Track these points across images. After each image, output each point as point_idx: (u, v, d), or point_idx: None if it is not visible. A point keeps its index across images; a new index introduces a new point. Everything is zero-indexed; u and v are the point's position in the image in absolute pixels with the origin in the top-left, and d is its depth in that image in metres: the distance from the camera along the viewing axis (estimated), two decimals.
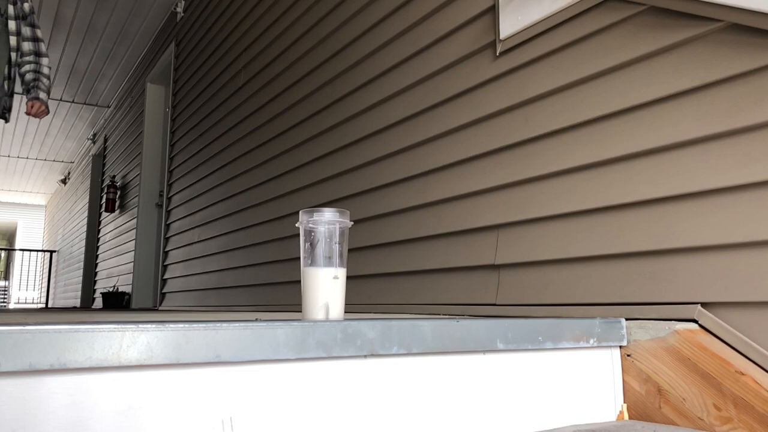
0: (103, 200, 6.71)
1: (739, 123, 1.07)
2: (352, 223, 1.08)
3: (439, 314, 1.72)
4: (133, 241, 5.27)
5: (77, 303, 7.83)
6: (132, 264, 5.23)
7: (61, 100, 6.87)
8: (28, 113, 2.64)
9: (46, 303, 11.05)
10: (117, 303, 5.29)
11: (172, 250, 4.47)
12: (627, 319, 1.15)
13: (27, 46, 2.60)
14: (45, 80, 2.73)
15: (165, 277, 4.60)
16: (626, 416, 1.11)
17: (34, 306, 11.41)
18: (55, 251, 10.89)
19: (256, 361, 0.79)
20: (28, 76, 2.65)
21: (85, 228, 7.82)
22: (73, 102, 7.02)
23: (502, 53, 1.62)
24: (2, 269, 13.31)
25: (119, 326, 0.71)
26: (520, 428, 1.00)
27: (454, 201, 1.77)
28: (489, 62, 1.67)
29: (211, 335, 0.76)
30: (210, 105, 3.81)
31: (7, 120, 2.62)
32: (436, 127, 1.86)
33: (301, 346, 0.82)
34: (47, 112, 2.72)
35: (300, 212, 1.06)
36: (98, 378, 0.70)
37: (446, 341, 0.94)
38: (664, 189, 1.19)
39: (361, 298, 2.18)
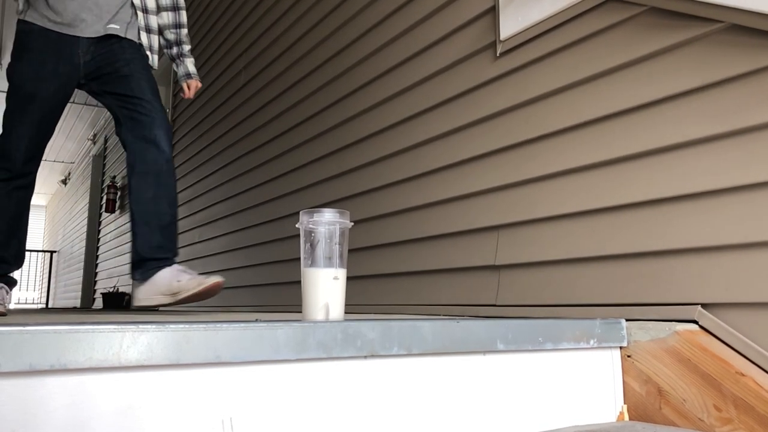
0: (104, 201, 6.71)
1: (740, 124, 1.07)
2: (353, 223, 1.08)
3: (439, 315, 1.72)
4: None
5: (77, 303, 7.83)
6: None
7: None
8: (188, 97, 2.17)
9: (47, 303, 11.05)
10: (117, 303, 5.29)
11: None
12: (627, 320, 1.15)
13: (166, 16, 2.10)
14: (188, 54, 2.17)
15: None
16: (626, 417, 1.11)
17: (35, 306, 11.41)
18: (55, 252, 10.89)
19: (257, 362, 0.79)
20: (174, 51, 2.14)
21: (85, 228, 7.82)
22: (73, 102, 7.03)
23: (503, 54, 1.62)
24: None
25: (119, 326, 0.71)
26: (521, 429, 1.00)
27: (455, 201, 1.77)
28: (489, 63, 1.67)
29: (211, 336, 0.76)
30: (210, 105, 3.81)
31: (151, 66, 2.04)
32: (437, 128, 1.86)
33: (301, 346, 0.82)
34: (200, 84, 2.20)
35: (300, 213, 1.06)
36: (98, 378, 0.70)
37: (446, 342, 0.94)
38: (665, 189, 1.19)
39: (362, 298, 2.17)
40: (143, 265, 1.78)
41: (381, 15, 2.16)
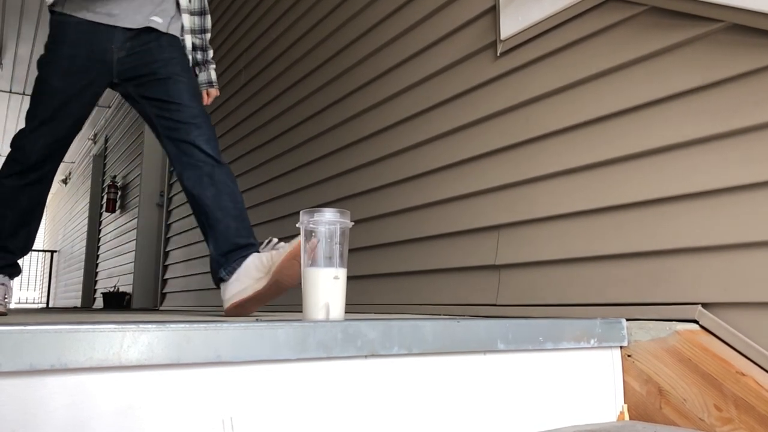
0: (104, 200, 6.71)
1: (740, 123, 1.07)
2: (353, 223, 1.08)
3: (439, 314, 1.72)
4: (134, 241, 5.27)
5: (78, 303, 7.83)
6: (132, 264, 5.23)
7: None
8: (206, 104, 2.05)
9: (47, 303, 11.05)
10: (118, 303, 5.29)
11: (172, 250, 4.47)
12: (627, 320, 1.15)
13: (194, 20, 1.95)
14: (212, 61, 2.01)
15: (165, 277, 4.60)
16: (627, 417, 1.11)
17: (35, 306, 11.41)
18: (55, 251, 10.89)
19: (257, 361, 0.79)
20: (199, 57, 2.00)
21: (85, 228, 7.83)
22: None
23: (503, 53, 1.62)
24: None
25: (120, 326, 0.71)
26: (521, 428, 1.00)
27: (455, 201, 1.77)
28: (490, 62, 1.67)
29: (211, 335, 0.76)
30: (210, 105, 3.81)
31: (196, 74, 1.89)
32: (437, 127, 1.86)
33: (301, 346, 0.82)
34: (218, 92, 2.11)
35: (300, 212, 1.06)
36: (99, 378, 0.70)
37: (447, 341, 0.94)
38: (665, 189, 1.19)
39: (362, 298, 2.17)
40: (226, 259, 1.63)
41: (381, 15, 2.16)
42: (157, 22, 1.74)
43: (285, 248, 1.53)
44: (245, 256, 1.61)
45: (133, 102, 1.81)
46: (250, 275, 1.58)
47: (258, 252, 1.63)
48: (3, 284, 1.66)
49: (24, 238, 1.70)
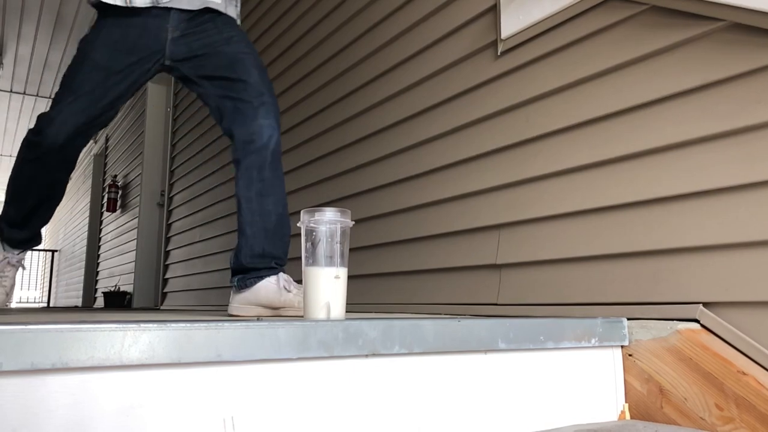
0: (105, 200, 6.71)
1: (741, 123, 1.07)
2: (354, 222, 1.08)
3: (440, 314, 1.72)
4: (135, 241, 5.27)
5: (79, 303, 7.83)
6: (133, 263, 5.23)
7: None
8: None
9: (48, 302, 11.05)
10: (118, 302, 5.29)
11: (173, 249, 4.47)
12: (629, 319, 1.15)
13: None
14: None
15: (166, 276, 4.60)
16: (628, 416, 1.11)
17: (36, 305, 11.42)
18: (56, 251, 10.89)
19: (258, 361, 0.79)
20: None
21: (86, 227, 7.82)
22: None
23: (504, 53, 1.61)
24: None
25: (121, 325, 0.71)
26: (522, 428, 1.00)
27: (456, 200, 1.77)
28: (490, 62, 1.66)
29: (212, 334, 0.76)
30: None
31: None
32: (438, 127, 1.86)
33: (302, 345, 0.82)
34: None
35: (301, 212, 1.06)
36: (100, 377, 0.70)
37: (448, 341, 0.94)
38: (666, 189, 1.19)
39: (363, 298, 2.17)
40: (244, 272, 1.59)
41: (381, 14, 2.16)
42: (216, 2, 1.66)
43: (300, 301, 1.49)
44: (262, 277, 1.57)
45: (192, 85, 1.70)
46: (258, 300, 1.56)
47: (276, 275, 1.58)
48: (14, 266, 1.62)
49: (41, 215, 1.67)
